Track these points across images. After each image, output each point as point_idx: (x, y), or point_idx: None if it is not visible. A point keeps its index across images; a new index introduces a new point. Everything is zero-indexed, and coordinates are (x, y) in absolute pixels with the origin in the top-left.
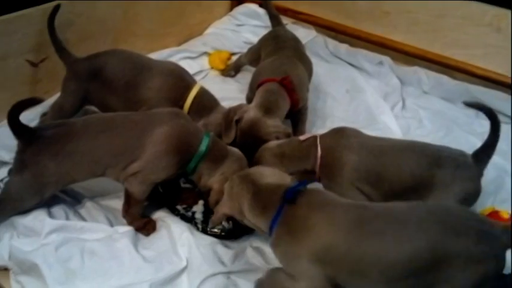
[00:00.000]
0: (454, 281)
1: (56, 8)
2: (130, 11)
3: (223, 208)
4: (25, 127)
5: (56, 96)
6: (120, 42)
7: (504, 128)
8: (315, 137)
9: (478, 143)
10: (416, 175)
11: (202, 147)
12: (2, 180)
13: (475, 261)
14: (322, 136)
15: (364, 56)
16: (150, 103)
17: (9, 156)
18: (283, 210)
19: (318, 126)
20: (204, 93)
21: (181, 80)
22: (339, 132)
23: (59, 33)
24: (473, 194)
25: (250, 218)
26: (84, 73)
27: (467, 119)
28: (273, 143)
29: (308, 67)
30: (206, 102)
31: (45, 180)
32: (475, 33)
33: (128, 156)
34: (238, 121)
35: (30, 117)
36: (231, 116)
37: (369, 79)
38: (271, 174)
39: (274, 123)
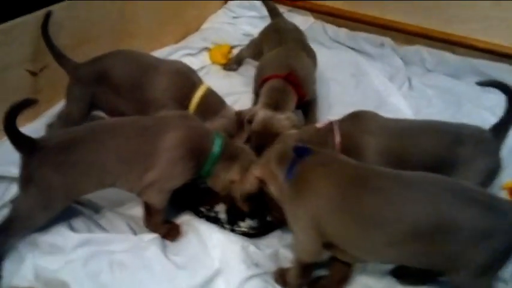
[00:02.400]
0: (465, 257)
1: (48, 15)
2: (127, 11)
3: (255, 172)
4: (25, 137)
5: (59, 104)
6: (118, 44)
7: None
8: (331, 123)
9: (489, 117)
10: (438, 154)
11: (216, 148)
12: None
13: (482, 235)
14: (340, 121)
15: (365, 39)
16: (157, 103)
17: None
18: (294, 166)
19: (325, 113)
20: (210, 94)
21: (188, 80)
22: (357, 117)
23: (55, 39)
24: (495, 169)
25: (274, 168)
26: (88, 78)
27: (475, 94)
28: (291, 132)
29: (312, 57)
30: (212, 104)
31: (53, 194)
32: (475, 7)
33: (140, 163)
34: (250, 122)
35: (35, 129)
36: (243, 118)
37: (372, 62)
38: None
39: (286, 116)
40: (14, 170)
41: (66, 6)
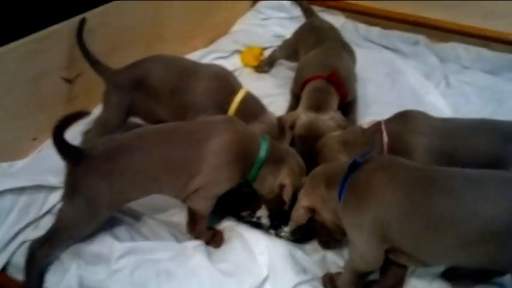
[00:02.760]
0: None
1: (82, 23)
2: (159, 15)
3: (302, 201)
4: (72, 146)
5: (94, 111)
6: (151, 49)
7: None
8: (379, 123)
9: None
10: (490, 154)
11: (262, 152)
12: (54, 206)
13: None
14: (387, 121)
15: (398, 37)
16: (197, 108)
17: (57, 180)
18: (349, 177)
19: (362, 113)
20: (250, 98)
21: (227, 84)
22: (405, 116)
23: (89, 46)
24: None
25: (324, 193)
26: (126, 84)
27: None
28: (334, 133)
29: (352, 55)
30: (252, 108)
31: (99, 203)
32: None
33: (186, 170)
34: (292, 127)
35: (71, 137)
36: (284, 123)
37: (407, 60)
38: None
39: (330, 116)
40: (52, 179)
41: (99, 13)
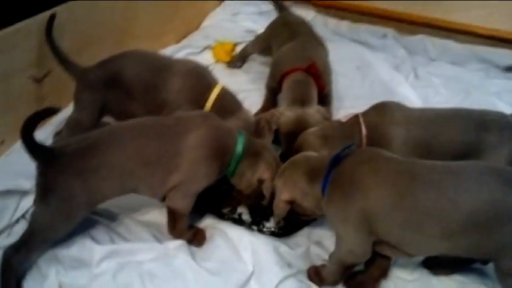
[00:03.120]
0: None
1: (52, 19)
2: (129, 11)
3: (283, 195)
4: (42, 146)
5: (65, 111)
6: (121, 46)
7: None
8: (356, 116)
9: (497, 102)
10: (466, 142)
11: (239, 147)
12: (27, 211)
13: None
14: (364, 114)
15: (367, 31)
16: (172, 105)
17: (29, 183)
18: (332, 171)
19: (336, 106)
20: (226, 94)
21: (203, 80)
22: (381, 108)
23: (58, 44)
24: None
25: (307, 189)
26: (98, 82)
27: (480, 81)
28: (312, 129)
29: (325, 49)
30: (228, 104)
31: (74, 203)
32: None
33: (162, 165)
34: (270, 125)
35: (42, 138)
36: (263, 124)
37: (376, 53)
38: (316, 154)
39: (316, 109)
40: (24, 183)
41: (67, 8)
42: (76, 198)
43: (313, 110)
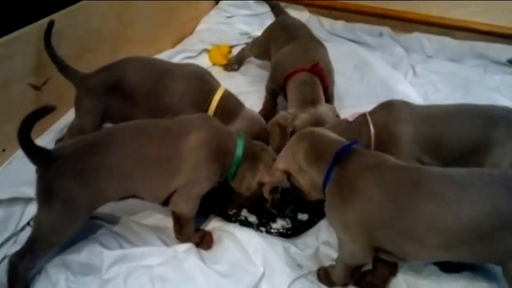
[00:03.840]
0: None
1: (50, 25)
2: (125, 17)
3: (279, 163)
4: (40, 148)
5: (65, 118)
6: (118, 51)
7: None
8: (364, 115)
9: (497, 97)
10: (474, 137)
11: (239, 150)
12: (32, 218)
13: None
14: (371, 113)
15: (363, 30)
16: (175, 109)
17: (32, 191)
18: (334, 168)
19: (337, 106)
20: (228, 96)
21: (205, 83)
22: (389, 106)
23: (56, 50)
24: None
25: (304, 166)
26: (99, 88)
27: (478, 76)
28: (320, 128)
29: (326, 50)
30: (231, 106)
31: (76, 205)
32: None
33: (163, 167)
34: (284, 128)
35: (42, 145)
36: (276, 128)
37: (373, 52)
38: (330, 132)
39: (328, 107)
40: (28, 191)
41: (65, 15)
42: (77, 200)
43: (326, 109)
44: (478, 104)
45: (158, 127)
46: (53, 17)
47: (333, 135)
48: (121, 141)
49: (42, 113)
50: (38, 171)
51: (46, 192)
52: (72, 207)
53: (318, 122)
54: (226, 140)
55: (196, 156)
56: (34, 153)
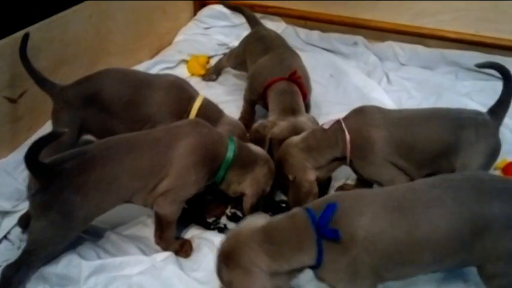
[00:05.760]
0: (498, 248)
1: (26, 38)
2: (102, 29)
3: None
4: (42, 164)
5: (41, 131)
6: (96, 63)
7: (488, 85)
8: (338, 122)
9: (469, 102)
10: (444, 140)
11: (229, 154)
12: (9, 232)
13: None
14: (345, 119)
15: (338, 39)
16: (154, 120)
17: (9, 204)
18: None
19: (315, 113)
20: (208, 104)
21: (184, 92)
22: (361, 112)
23: (33, 63)
24: (496, 149)
25: (293, 259)
26: (77, 100)
27: (450, 83)
28: (295, 138)
29: (301, 59)
30: (211, 113)
31: (74, 217)
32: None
33: (155, 175)
34: (260, 134)
35: (19, 159)
36: (254, 136)
37: (348, 60)
38: (260, 219)
39: (307, 117)
40: (5, 204)
41: (41, 27)
42: (77, 212)
43: (305, 118)
44: (447, 108)
45: (149, 139)
46: (29, 29)
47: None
48: (118, 157)
49: (50, 138)
50: (36, 185)
51: (45, 206)
52: (70, 220)
53: (297, 130)
54: (216, 144)
55: (185, 162)
56: (37, 168)
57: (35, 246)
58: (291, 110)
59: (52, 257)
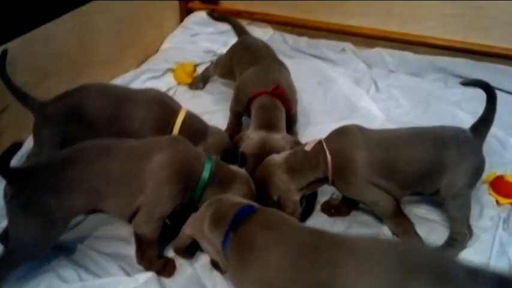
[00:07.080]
0: None
1: (4, 54)
2: (86, 40)
3: (187, 228)
4: (15, 169)
5: (24, 146)
6: (81, 75)
7: (477, 92)
8: (320, 143)
9: (458, 112)
10: (426, 160)
11: (205, 173)
12: None
13: None
14: (327, 139)
15: (326, 46)
16: (137, 135)
17: None
18: (233, 231)
19: (303, 123)
20: (191, 117)
21: (166, 107)
22: (343, 132)
23: (15, 79)
24: (479, 167)
25: (207, 232)
26: (57, 116)
27: (439, 91)
28: (277, 158)
29: (288, 70)
30: (195, 126)
31: (53, 218)
32: (431, 7)
33: (128, 184)
34: (243, 153)
35: None
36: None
37: (336, 68)
38: (236, 197)
39: (282, 135)
40: None
41: (22, 41)
42: (54, 213)
43: (280, 136)
44: (428, 127)
45: (123, 146)
46: (10, 44)
47: (237, 199)
48: (90, 158)
49: (14, 150)
50: (12, 190)
51: (23, 209)
52: (48, 221)
53: (266, 144)
54: (192, 162)
55: (158, 176)
56: (10, 173)
57: (17, 247)
58: (268, 126)
59: (36, 258)
